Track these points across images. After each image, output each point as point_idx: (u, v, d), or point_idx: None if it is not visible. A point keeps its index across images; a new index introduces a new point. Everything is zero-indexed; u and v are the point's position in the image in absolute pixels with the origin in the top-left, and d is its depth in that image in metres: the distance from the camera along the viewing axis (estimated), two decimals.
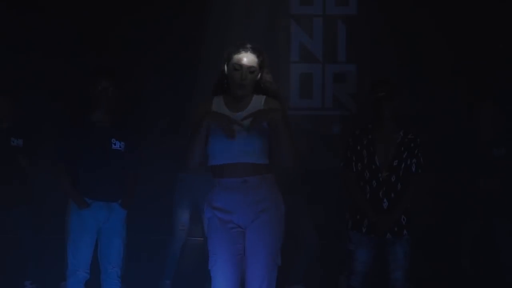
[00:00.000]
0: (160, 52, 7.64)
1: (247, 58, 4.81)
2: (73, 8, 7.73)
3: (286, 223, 4.95)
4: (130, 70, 7.40)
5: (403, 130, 6.04)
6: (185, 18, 7.77)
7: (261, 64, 4.85)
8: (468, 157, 6.89)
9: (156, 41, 7.64)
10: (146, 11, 7.74)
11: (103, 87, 5.98)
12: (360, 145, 6.04)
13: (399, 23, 7.71)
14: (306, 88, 7.99)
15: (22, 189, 7.12)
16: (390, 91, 5.99)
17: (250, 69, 4.80)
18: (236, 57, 4.81)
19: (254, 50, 4.84)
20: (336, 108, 7.98)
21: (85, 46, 7.54)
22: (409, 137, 6.03)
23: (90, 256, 5.95)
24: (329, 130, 7.90)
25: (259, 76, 4.86)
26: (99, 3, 7.80)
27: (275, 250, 4.81)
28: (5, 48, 7.52)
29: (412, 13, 7.70)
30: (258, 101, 4.85)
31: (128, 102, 7.17)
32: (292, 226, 7.10)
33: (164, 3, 7.80)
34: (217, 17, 7.77)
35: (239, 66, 4.79)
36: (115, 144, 6.01)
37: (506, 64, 7.55)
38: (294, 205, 7.09)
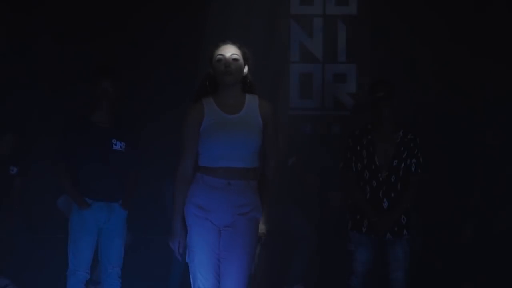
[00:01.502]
0: (160, 53, 7.65)
1: (227, 48, 4.84)
2: (75, 7, 7.74)
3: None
4: (131, 70, 7.41)
5: (402, 130, 6.04)
6: (185, 18, 7.78)
7: (244, 56, 4.85)
8: (468, 153, 6.91)
9: (155, 41, 7.65)
10: (146, 11, 7.74)
11: (104, 87, 5.98)
12: (360, 146, 6.05)
13: (399, 23, 7.71)
14: (306, 88, 7.99)
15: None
16: (389, 91, 6.00)
17: (232, 56, 4.81)
18: (217, 51, 4.84)
19: (234, 42, 4.88)
20: (336, 108, 7.99)
21: (86, 46, 7.55)
22: (409, 137, 6.03)
23: (90, 256, 5.95)
24: (328, 130, 7.91)
25: (245, 69, 4.86)
26: (100, 2, 7.81)
27: (250, 255, 4.79)
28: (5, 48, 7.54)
29: (411, 13, 7.70)
30: (253, 102, 4.83)
31: (128, 102, 7.20)
32: (289, 226, 7.15)
33: (164, 2, 7.80)
34: (217, 17, 7.78)
35: (221, 55, 4.81)
36: (115, 145, 6.00)
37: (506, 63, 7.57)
38: (290, 205, 7.14)
